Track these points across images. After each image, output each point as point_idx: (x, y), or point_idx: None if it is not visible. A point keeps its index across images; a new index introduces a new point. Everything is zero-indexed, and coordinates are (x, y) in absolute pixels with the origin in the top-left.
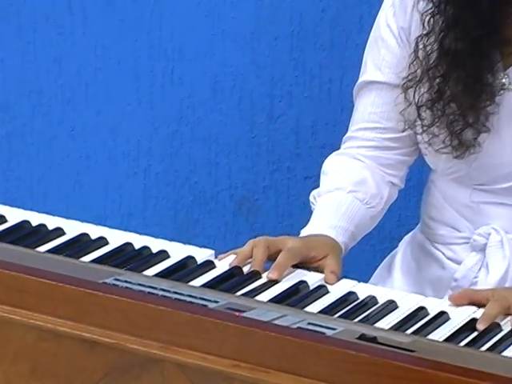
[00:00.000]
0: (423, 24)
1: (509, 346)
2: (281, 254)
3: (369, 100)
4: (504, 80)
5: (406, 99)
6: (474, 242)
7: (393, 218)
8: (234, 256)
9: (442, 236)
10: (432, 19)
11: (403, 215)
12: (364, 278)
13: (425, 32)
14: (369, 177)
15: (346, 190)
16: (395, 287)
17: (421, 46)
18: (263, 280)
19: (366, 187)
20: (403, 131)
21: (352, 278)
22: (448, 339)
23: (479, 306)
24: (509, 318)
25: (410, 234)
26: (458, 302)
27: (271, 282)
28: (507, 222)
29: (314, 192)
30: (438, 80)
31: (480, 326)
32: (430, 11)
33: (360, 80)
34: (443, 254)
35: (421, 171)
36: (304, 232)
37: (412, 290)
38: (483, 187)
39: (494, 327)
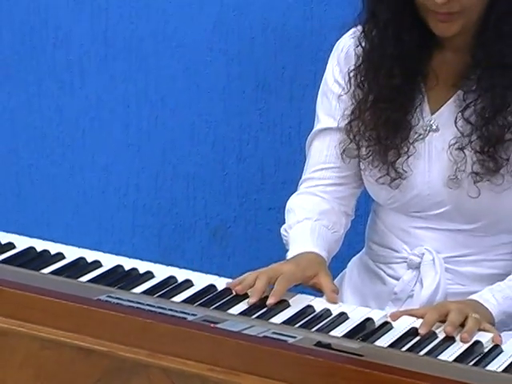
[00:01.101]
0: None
1: (444, 350)
2: (277, 281)
3: (324, 145)
4: (432, 122)
5: (349, 137)
6: (410, 261)
7: (343, 242)
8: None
9: (383, 256)
10: (361, 66)
11: (352, 240)
12: (319, 293)
13: (356, 79)
14: (329, 208)
15: (313, 219)
16: (345, 301)
17: (353, 89)
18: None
19: (328, 216)
20: (352, 168)
21: (309, 294)
22: (392, 345)
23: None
24: (443, 326)
25: (357, 255)
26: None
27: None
28: (438, 243)
29: (285, 226)
30: (368, 116)
31: (421, 331)
32: (360, 58)
33: (314, 130)
34: (384, 271)
35: (366, 202)
36: (290, 255)
37: (359, 303)
38: (418, 214)
39: (431, 335)
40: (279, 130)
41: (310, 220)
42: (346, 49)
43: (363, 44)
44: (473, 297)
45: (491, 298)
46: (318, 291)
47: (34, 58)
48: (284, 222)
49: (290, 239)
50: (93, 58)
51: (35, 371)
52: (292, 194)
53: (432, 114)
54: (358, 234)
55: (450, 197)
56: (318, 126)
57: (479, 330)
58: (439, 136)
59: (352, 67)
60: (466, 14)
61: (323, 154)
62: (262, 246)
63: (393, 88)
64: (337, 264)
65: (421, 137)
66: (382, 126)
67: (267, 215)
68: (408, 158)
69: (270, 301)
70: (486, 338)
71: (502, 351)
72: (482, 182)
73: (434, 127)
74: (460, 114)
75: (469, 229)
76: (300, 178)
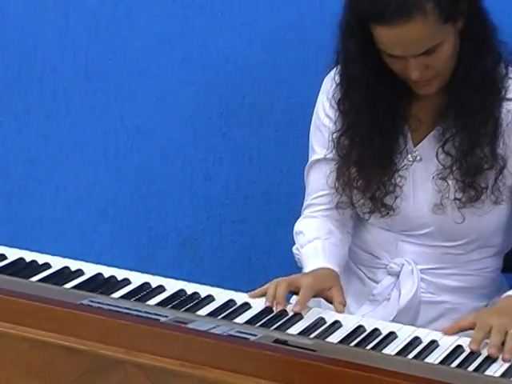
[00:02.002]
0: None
1: (388, 344)
2: (300, 291)
3: (321, 174)
4: (415, 154)
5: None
6: (390, 269)
7: None
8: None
9: (365, 260)
10: (345, 103)
11: None
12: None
13: (335, 119)
14: (333, 228)
15: (322, 238)
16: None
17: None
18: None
19: (334, 235)
20: (347, 195)
21: None
22: (341, 341)
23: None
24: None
25: None
26: (450, 333)
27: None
28: (417, 256)
29: (296, 246)
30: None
31: (473, 348)
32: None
33: (310, 160)
34: (364, 273)
35: None
36: (307, 270)
37: None
38: (402, 232)
39: (373, 332)
40: (241, 151)
41: (319, 239)
42: (334, 84)
43: (346, 112)
44: (509, 294)
45: None
46: (329, 302)
47: (23, 89)
48: (244, 233)
49: (304, 257)
50: (75, 90)
51: (25, 368)
52: (253, 208)
53: (415, 146)
54: None
55: (435, 221)
56: (314, 157)
57: None
58: (422, 166)
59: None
60: (441, 75)
61: (321, 182)
62: (227, 254)
63: (381, 138)
64: None
65: (405, 167)
66: (373, 167)
67: (231, 227)
68: (395, 191)
69: (296, 309)
70: None
71: None
72: (465, 208)
73: (418, 158)
74: (441, 148)
75: (448, 246)
76: (260, 192)
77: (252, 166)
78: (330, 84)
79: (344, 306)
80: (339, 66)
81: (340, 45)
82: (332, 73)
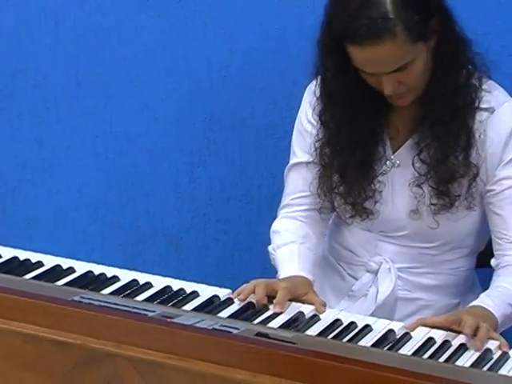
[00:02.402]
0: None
1: (364, 337)
2: (278, 293)
3: (300, 176)
4: (394, 160)
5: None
6: (369, 267)
7: None
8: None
9: (346, 258)
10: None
11: None
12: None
13: (318, 127)
14: (310, 231)
15: (298, 242)
16: None
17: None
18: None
19: (310, 239)
20: (326, 198)
21: None
22: (319, 334)
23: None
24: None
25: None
26: (413, 329)
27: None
28: (395, 255)
29: (272, 246)
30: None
31: (478, 347)
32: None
33: (291, 163)
34: (344, 270)
35: None
36: (282, 275)
37: (319, 293)
38: (381, 233)
39: (349, 325)
40: (223, 155)
41: (295, 243)
42: (316, 93)
43: (328, 126)
44: (475, 303)
45: (491, 302)
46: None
47: (17, 96)
48: (227, 232)
49: (279, 260)
50: (66, 97)
51: (19, 361)
52: (236, 208)
53: (393, 152)
54: None
55: (412, 225)
56: (294, 160)
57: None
58: (400, 171)
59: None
60: (414, 89)
61: (300, 184)
62: (211, 252)
63: (362, 148)
64: None
65: (384, 172)
66: (354, 175)
67: (215, 227)
68: (374, 196)
69: (276, 309)
70: (493, 346)
71: (509, 357)
72: (439, 215)
73: (397, 164)
74: (416, 156)
75: (423, 247)
76: (242, 194)
77: (234, 169)
78: (312, 94)
79: (325, 306)
80: (319, 80)
81: (319, 61)
82: (314, 83)
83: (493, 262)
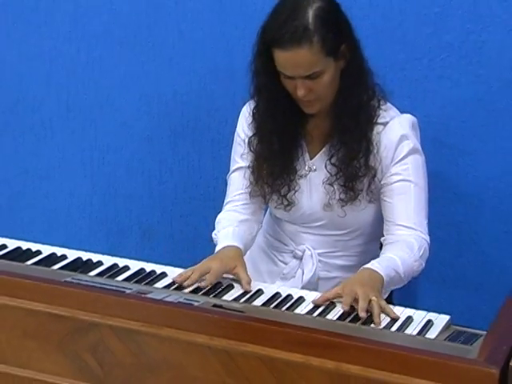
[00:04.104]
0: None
1: (298, 306)
2: (207, 277)
3: (239, 178)
4: (311, 165)
5: (254, 180)
6: (295, 253)
7: None
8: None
9: (277, 247)
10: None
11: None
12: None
13: (251, 134)
14: (245, 219)
15: (234, 225)
16: None
17: (253, 142)
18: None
19: (244, 223)
20: (259, 194)
21: None
22: (263, 304)
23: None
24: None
25: (256, 241)
26: (320, 303)
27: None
28: (315, 243)
29: (215, 232)
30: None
31: (344, 309)
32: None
33: (232, 168)
34: (276, 257)
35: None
36: (217, 249)
37: (256, 276)
38: (302, 224)
39: (287, 297)
40: (186, 163)
41: (231, 226)
42: (250, 112)
43: (256, 118)
44: (365, 267)
45: (379, 265)
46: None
47: (19, 119)
48: (190, 225)
49: (218, 240)
50: (59, 119)
51: (21, 331)
52: (196, 206)
53: (311, 159)
54: None
55: (326, 216)
56: (234, 166)
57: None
58: (316, 174)
59: (251, 136)
60: (321, 99)
61: (239, 183)
62: (176, 241)
63: (279, 150)
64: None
65: (304, 174)
66: (276, 173)
67: (179, 221)
68: (295, 192)
69: (204, 284)
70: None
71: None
72: (346, 206)
73: (314, 168)
74: (328, 160)
75: (337, 234)
76: (201, 194)
77: (194, 174)
78: (246, 110)
79: (250, 283)
80: (251, 77)
81: (252, 63)
82: (248, 102)
83: (382, 239)
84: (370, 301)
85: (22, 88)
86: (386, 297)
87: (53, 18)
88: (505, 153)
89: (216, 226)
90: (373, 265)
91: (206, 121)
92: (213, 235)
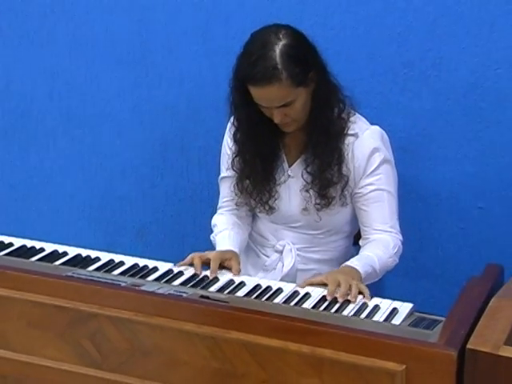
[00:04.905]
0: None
1: (277, 296)
2: (211, 263)
3: (227, 185)
4: (290, 173)
5: (238, 190)
6: (277, 248)
7: None
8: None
9: (260, 242)
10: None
11: None
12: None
13: (233, 148)
14: (237, 221)
15: (229, 229)
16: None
17: (235, 155)
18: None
19: (237, 226)
20: (245, 201)
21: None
22: (246, 295)
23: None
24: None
25: None
26: (303, 286)
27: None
28: (294, 239)
29: (213, 234)
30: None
31: (329, 297)
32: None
33: (220, 176)
34: (260, 251)
35: None
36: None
37: (242, 267)
38: (282, 224)
39: (267, 288)
40: (176, 168)
41: (227, 230)
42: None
43: (238, 142)
44: (345, 264)
45: (357, 263)
46: (229, 270)
47: (25, 129)
48: (179, 224)
49: (217, 243)
50: (61, 129)
51: (27, 321)
52: (185, 207)
53: (289, 166)
54: None
55: (303, 219)
56: (222, 175)
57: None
58: (294, 181)
59: (233, 157)
60: (296, 120)
61: (226, 191)
62: (167, 238)
63: (261, 170)
64: None
65: (283, 181)
66: (259, 184)
67: (170, 220)
68: (276, 199)
69: (211, 276)
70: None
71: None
72: (321, 211)
73: (292, 175)
74: (304, 169)
75: (313, 233)
76: (189, 196)
77: (183, 178)
78: (231, 127)
79: (239, 273)
80: (232, 110)
81: (231, 96)
82: (232, 118)
83: (361, 242)
84: (350, 286)
85: (27, 101)
86: None
87: (55, 38)
88: (460, 158)
89: (213, 228)
90: (352, 262)
91: (192, 130)
92: (211, 238)
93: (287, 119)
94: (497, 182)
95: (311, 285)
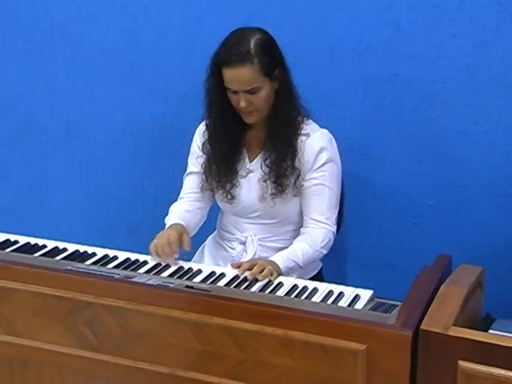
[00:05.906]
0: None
1: (254, 285)
2: (170, 246)
3: (191, 179)
4: (250, 168)
5: (205, 178)
6: (240, 240)
7: (205, 226)
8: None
9: (226, 236)
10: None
11: (210, 226)
12: (189, 257)
13: (204, 140)
14: (191, 209)
15: (181, 212)
16: (206, 263)
17: (204, 151)
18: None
19: (190, 213)
20: (206, 192)
21: (182, 259)
22: (226, 285)
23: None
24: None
25: (212, 234)
26: (235, 266)
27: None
28: (255, 230)
29: (167, 218)
30: (215, 167)
31: (249, 278)
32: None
33: (186, 172)
34: (226, 245)
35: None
36: (166, 227)
37: (213, 262)
38: (244, 215)
39: (244, 279)
40: (163, 172)
41: (179, 212)
42: (203, 129)
43: (208, 127)
44: (270, 258)
45: (280, 258)
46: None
47: (28, 138)
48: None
49: (168, 222)
50: (60, 138)
51: (31, 310)
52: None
53: (250, 162)
54: (212, 223)
55: (261, 207)
56: (188, 170)
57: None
58: (254, 175)
59: (204, 141)
60: (259, 111)
61: (191, 183)
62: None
63: (225, 153)
64: (201, 239)
65: (244, 175)
66: (222, 172)
67: (159, 219)
68: (237, 188)
69: (188, 249)
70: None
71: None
72: (276, 198)
73: (252, 170)
74: (263, 162)
75: (271, 223)
76: (173, 199)
77: (170, 182)
78: (202, 128)
79: (190, 248)
80: (205, 94)
81: (207, 81)
82: (203, 122)
83: (301, 230)
84: (263, 269)
85: (30, 114)
86: (315, 273)
87: (55, 58)
88: (413, 161)
89: (169, 213)
90: (275, 257)
91: (178, 139)
92: (165, 220)
93: (251, 107)
94: (445, 182)
95: (240, 266)
